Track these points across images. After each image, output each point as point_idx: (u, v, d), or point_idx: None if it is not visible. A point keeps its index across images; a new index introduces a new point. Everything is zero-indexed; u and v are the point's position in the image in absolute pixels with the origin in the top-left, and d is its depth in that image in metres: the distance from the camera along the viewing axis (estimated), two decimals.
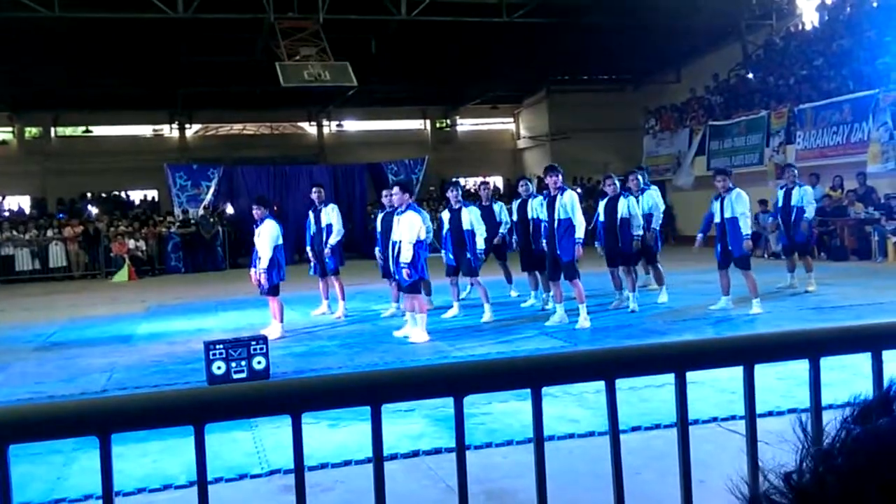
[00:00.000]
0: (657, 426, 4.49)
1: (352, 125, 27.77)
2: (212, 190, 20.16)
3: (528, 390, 1.40)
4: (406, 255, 7.77)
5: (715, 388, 4.93)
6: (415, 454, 4.37)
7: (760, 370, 1.50)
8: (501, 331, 8.40)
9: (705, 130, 19.11)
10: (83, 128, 25.63)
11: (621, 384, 1.46)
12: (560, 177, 8.44)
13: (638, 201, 9.65)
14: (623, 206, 9.23)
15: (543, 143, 26.19)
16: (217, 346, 6.33)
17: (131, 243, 18.66)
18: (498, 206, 10.71)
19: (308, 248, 10.32)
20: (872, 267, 12.82)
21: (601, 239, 9.55)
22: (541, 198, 9.16)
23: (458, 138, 28.41)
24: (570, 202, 8.28)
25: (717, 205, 8.82)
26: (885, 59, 15.11)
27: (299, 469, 1.34)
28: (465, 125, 28.86)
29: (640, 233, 9.28)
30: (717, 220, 8.83)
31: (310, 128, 27.43)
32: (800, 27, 20.46)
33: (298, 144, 26.87)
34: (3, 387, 6.75)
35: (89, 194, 24.21)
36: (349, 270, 11.46)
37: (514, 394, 3.97)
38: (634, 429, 4.47)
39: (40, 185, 24.17)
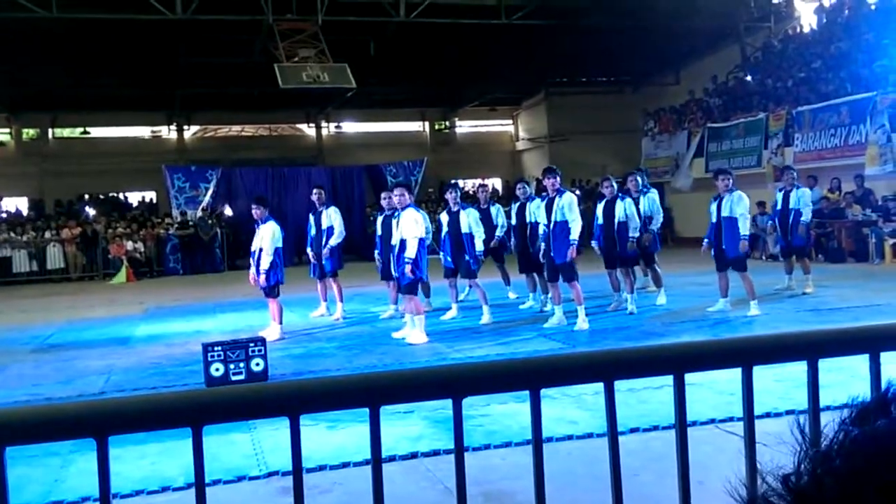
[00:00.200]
0: (655, 428, 4.49)
1: (350, 127, 27.77)
2: (210, 191, 20.14)
3: (527, 392, 1.40)
4: (411, 251, 7.79)
5: (713, 390, 4.93)
6: (413, 456, 4.37)
7: (758, 372, 1.50)
8: (500, 332, 8.39)
9: (704, 132, 19.14)
10: (81, 129, 25.60)
11: (620, 386, 1.46)
12: (558, 179, 8.46)
13: (637, 203, 9.65)
14: (621, 209, 9.23)
15: (542, 145, 26.21)
16: (215, 348, 6.32)
17: (129, 245, 18.64)
18: (495, 209, 10.72)
19: (309, 250, 10.33)
20: (870, 269, 12.83)
21: (599, 240, 9.55)
22: (538, 200, 9.17)
23: (457, 140, 28.42)
24: (567, 204, 8.29)
25: (714, 205, 8.83)
26: (882, 62, 15.14)
27: (297, 471, 1.34)
28: (463, 127, 28.87)
29: (637, 235, 9.28)
30: (713, 219, 8.83)
31: (308, 129, 27.43)
32: (798, 30, 20.50)
33: (297, 146, 26.87)
34: (0, 389, 6.74)
35: (87, 196, 24.20)
36: (348, 272, 11.46)
37: (513, 395, 3.96)
38: (633, 430, 4.47)
39: (38, 187, 24.15)
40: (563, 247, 8.23)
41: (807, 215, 10.29)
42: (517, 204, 10.01)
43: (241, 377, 6.25)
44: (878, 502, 0.52)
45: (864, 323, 1.73)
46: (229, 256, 19.41)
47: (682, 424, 1.47)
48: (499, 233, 10.42)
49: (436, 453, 4.35)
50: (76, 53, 18.55)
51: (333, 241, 9.87)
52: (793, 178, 10.48)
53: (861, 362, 1.52)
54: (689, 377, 1.48)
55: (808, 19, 20.63)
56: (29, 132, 25.09)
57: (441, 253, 9.71)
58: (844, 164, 14.72)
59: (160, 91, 22.75)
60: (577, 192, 17.55)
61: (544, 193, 8.78)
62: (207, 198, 20.10)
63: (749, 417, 1.50)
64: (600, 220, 9.49)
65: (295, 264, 16.44)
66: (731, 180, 8.79)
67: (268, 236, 8.47)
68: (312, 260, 10.24)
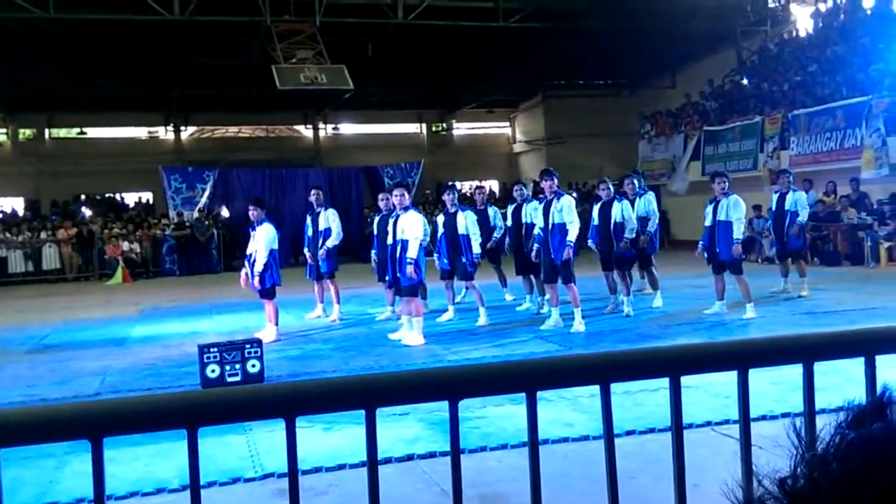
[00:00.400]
0: (652, 430, 4.49)
1: (348, 128, 27.77)
2: (207, 192, 20.12)
3: (523, 394, 1.40)
4: (413, 252, 7.79)
5: (709, 393, 4.93)
6: (409, 458, 4.36)
7: (754, 374, 1.51)
8: (496, 334, 8.39)
9: (700, 136, 19.18)
10: (78, 129, 25.56)
11: (616, 388, 1.46)
12: (556, 181, 8.47)
13: (633, 205, 9.66)
14: (617, 211, 9.24)
15: (539, 148, 26.24)
16: (211, 350, 6.31)
17: (125, 246, 18.60)
18: (492, 211, 10.73)
19: (306, 251, 10.33)
20: (865, 272, 12.87)
21: (595, 239, 9.56)
22: (536, 202, 9.17)
23: (454, 142, 28.43)
24: (565, 206, 8.30)
25: (710, 208, 8.84)
26: (878, 66, 15.19)
27: (293, 473, 1.34)
28: (461, 129, 28.89)
29: (632, 236, 9.28)
30: (708, 222, 8.84)
31: (306, 131, 27.42)
32: (794, 34, 20.58)
33: (294, 147, 26.86)
34: None
35: (83, 196, 24.15)
36: (344, 274, 11.45)
37: (509, 397, 3.95)
38: (629, 433, 4.47)
39: (34, 187, 24.09)
40: (561, 248, 8.25)
41: (803, 217, 10.32)
42: (513, 205, 10.03)
43: (237, 379, 6.24)
44: None
45: (859, 326, 1.73)
46: (226, 258, 19.38)
47: (678, 427, 1.47)
48: (496, 235, 10.43)
49: (432, 455, 4.35)
50: (73, 54, 18.51)
51: (331, 243, 9.86)
52: (789, 182, 10.50)
53: (857, 365, 1.53)
54: (686, 380, 1.48)
55: (804, 23, 20.71)
56: (25, 132, 25.04)
57: (437, 255, 9.71)
58: (840, 167, 14.76)
59: (157, 92, 22.72)
60: (574, 194, 17.57)
61: (542, 196, 8.78)
62: (204, 199, 20.08)
63: (745, 420, 1.50)
64: (596, 222, 9.51)
65: (292, 265, 16.43)
66: (727, 183, 8.80)
67: (263, 238, 8.46)
68: (309, 261, 10.23)
